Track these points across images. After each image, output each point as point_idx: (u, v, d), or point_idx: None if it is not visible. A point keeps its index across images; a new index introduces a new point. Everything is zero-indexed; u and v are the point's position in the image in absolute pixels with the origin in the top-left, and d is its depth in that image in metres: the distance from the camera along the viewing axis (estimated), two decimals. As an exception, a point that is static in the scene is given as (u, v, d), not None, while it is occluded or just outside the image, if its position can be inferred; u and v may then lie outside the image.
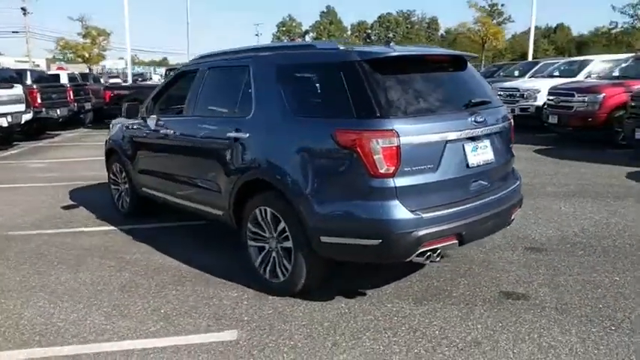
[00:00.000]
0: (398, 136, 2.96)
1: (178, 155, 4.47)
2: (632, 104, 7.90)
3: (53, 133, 14.94)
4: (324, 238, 3.19)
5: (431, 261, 3.19)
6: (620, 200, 5.81)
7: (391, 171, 2.97)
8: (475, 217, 3.24)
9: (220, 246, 4.68)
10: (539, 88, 11.41)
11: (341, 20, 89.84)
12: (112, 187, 5.91)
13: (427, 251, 3.09)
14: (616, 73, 10.55)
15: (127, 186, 5.57)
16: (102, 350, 2.96)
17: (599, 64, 11.87)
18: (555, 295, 3.49)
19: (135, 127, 5.20)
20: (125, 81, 28.60)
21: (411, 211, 3.00)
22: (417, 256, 3.07)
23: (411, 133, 3.01)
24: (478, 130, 3.34)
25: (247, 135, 3.65)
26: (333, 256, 3.34)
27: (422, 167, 3.06)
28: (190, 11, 32.19)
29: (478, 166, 3.34)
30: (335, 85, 3.18)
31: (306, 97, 3.45)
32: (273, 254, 3.62)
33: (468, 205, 3.24)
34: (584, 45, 53.95)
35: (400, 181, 2.99)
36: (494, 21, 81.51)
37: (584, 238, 4.62)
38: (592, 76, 11.44)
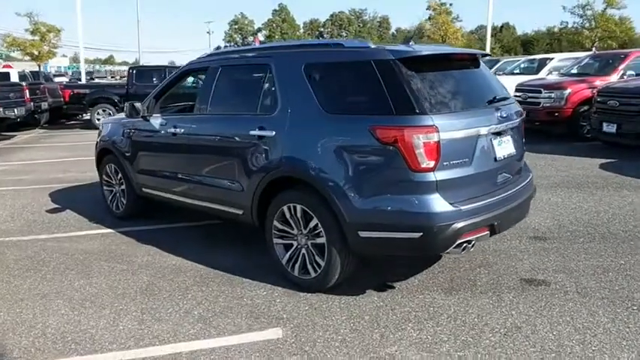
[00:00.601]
0: (438, 131, 3.04)
1: (190, 154, 4.38)
2: (599, 99, 8.39)
3: (7, 134, 14.16)
4: (362, 233, 3.24)
5: (463, 251, 3.31)
6: (601, 190, 6.17)
7: (432, 165, 3.05)
8: (504, 208, 3.38)
9: (230, 245, 4.63)
10: (505, 85, 11.86)
11: (294, 18, 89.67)
12: (105, 188, 5.70)
13: (463, 242, 3.19)
14: (574, 71, 11.16)
15: (123, 187, 5.40)
16: (148, 355, 2.89)
17: (558, 62, 12.50)
18: (573, 280, 3.69)
19: (135, 126, 5.04)
20: (79, 79, 27.44)
21: (450, 204, 3.10)
22: (454, 247, 3.18)
23: (449, 128, 3.10)
24: (502, 124, 3.48)
25: (273, 133, 3.64)
26: (370, 250, 3.40)
27: (458, 161, 3.17)
28: (138, 7, 31.22)
29: (503, 159, 3.48)
30: (370, 82, 3.23)
31: (340, 94, 3.47)
32: (303, 251, 3.63)
33: (497, 197, 3.38)
34: (528, 43, 56.53)
35: (439, 175, 3.08)
36: (435, 21, 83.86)
37: (580, 226, 4.89)
38: (553, 73, 12.04)
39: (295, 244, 3.68)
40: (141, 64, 29.00)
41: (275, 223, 3.73)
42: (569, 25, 34.60)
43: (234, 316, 3.32)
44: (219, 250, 4.51)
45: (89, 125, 15.33)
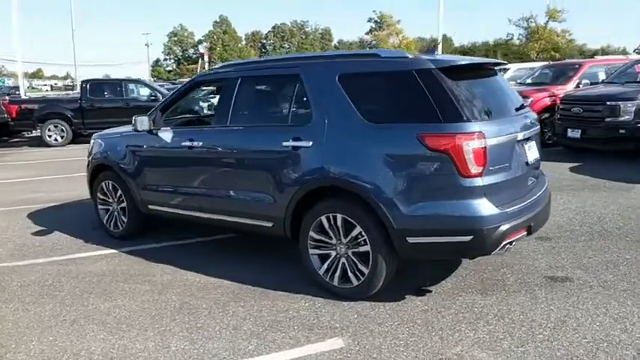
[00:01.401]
0: (484, 137, 3.19)
1: (210, 167, 4.29)
2: (562, 107, 8.98)
3: (-52, 154, 13.15)
4: (410, 239, 3.32)
5: (505, 252, 3.46)
6: (580, 191, 6.60)
7: (479, 171, 3.19)
8: (536, 209, 3.59)
9: (251, 260, 4.56)
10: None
11: (235, 30, 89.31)
12: (100, 207, 5.45)
13: (506, 243, 3.35)
14: (529, 80, 11.89)
15: (123, 205, 5.18)
16: (217, 374, 2.81)
17: (514, 72, 13.26)
18: (592, 275, 3.94)
19: (139, 140, 4.87)
20: (8, 94, 25.78)
21: (496, 207, 3.25)
22: (500, 249, 3.32)
23: (492, 134, 3.26)
24: (529, 130, 3.69)
25: (310, 143, 3.65)
26: (417, 255, 3.49)
27: (501, 166, 3.33)
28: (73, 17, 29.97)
29: (532, 163, 3.69)
30: (414, 91, 3.33)
31: (381, 103, 3.55)
32: (343, 260, 3.65)
33: (530, 200, 3.57)
34: (466, 54, 59.45)
35: (486, 180, 3.22)
36: (384, 32, 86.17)
37: (576, 226, 5.21)
38: (510, 83, 12.74)
39: (334, 253, 3.70)
40: (79, 77, 27.50)
41: (311, 233, 3.74)
42: (515, 38, 36.96)
43: (286, 329, 3.29)
44: (240, 265, 4.42)
45: (40, 142, 14.53)
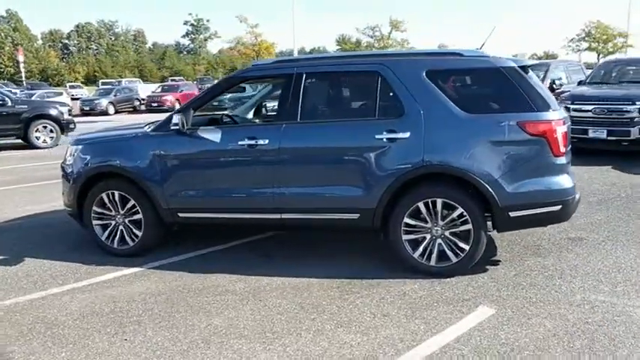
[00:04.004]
0: (565, 123, 3.86)
1: (283, 165, 4.13)
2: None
3: None
4: (512, 214, 3.81)
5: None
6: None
7: (565, 150, 3.85)
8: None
9: (308, 257, 4.51)
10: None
11: (28, 27, 78.13)
12: (97, 222, 4.69)
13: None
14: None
15: (137, 216, 4.57)
16: (427, 353, 2.91)
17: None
18: (595, 234, 4.90)
19: (170, 141, 4.38)
20: None
21: (572, 180, 3.95)
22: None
23: (565, 121, 3.95)
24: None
25: (408, 134, 3.87)
26: (514, 227, 4.02)
27: (569, 147, 4.04)
28: None
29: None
30: (505, 85, 3.83)
31: (475, 96, 3.96)
32: (439, 241, 3.96)
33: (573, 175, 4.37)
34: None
35: (566, 158, 3.91)
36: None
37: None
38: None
39: (428, 236, 3.98)
40: None
41: (406, 220, 3.96)
42: (363, 45, 40.30)
43: (430, 307, 3.49)
44: (301, 263, 4.34)
45: None
